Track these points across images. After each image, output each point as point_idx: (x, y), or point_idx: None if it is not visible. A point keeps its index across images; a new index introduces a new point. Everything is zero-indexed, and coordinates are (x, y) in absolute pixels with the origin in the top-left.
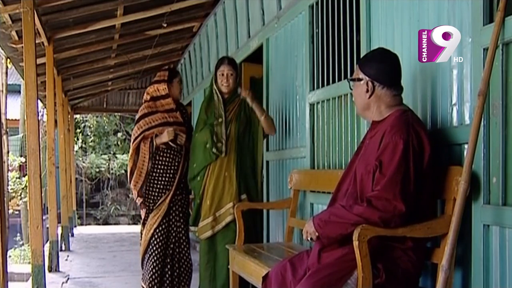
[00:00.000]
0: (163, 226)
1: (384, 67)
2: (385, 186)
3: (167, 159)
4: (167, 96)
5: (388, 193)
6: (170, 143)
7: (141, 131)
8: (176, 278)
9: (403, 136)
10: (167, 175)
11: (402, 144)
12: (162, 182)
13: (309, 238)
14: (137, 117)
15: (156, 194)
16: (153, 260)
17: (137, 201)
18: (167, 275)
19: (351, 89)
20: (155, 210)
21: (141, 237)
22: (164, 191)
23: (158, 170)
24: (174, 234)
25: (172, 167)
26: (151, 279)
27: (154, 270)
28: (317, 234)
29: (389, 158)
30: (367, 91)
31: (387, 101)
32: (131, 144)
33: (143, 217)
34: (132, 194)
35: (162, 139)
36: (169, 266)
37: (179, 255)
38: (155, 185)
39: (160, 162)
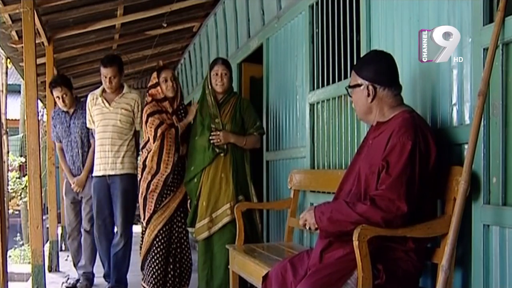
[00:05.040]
0: (167, 227)
1: (381, 68)
2: (390, 186)
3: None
4: (164, 99)
5: (392, 193)
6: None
7: (160, 121)
8: (177, 277)
9: (411, 137)
10: (173, 175)
11: (410, 145)
12: (168, 184)
13: (307, 228)
14: (146, 114)
15: (161, 194)
16: (157, 262)
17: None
18: (169, 275)
19: (350, 96)
20: (159, 211)
21: (142, 237)
22: (169, 192)
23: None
24: (176, 234)
25: (176, 168)
26: (155, 280)
27: (158, 271)
28: (316, 226)
29: (396, 159)
30: (368, 95)
31: (390, 102)
32: (151, 130)
33: (145, 217)
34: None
35: (188, 119)
36: (171, 266)
37: (180, 255)
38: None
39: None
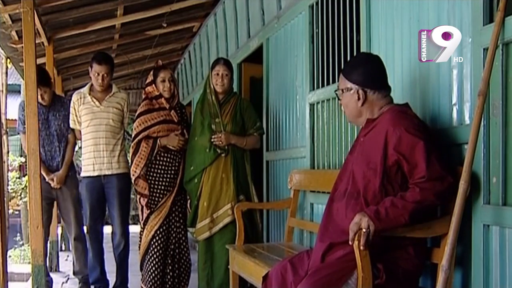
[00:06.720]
0: (164, 227)
1: (371, 72)
2: (428, 169)
3: (167, 159)
4: (160, 96)
5: (435, 173)
6: (170, 146)
7: (142, 128)
8: (176, 278)
9: (411, 124)
10: (168, 175)
11: (414, 130)
12: (164, 183)
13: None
14: (137, 113)
15: (157, 195)
16: (154, 262)
17: (138, 188)
18: (168, 276)
19: (339, 99)
20: (156, 211)
21: (140, 238)
22: (165, 192)
23: (158, 171)
24: (174, 234)
25: (173, 167)
26: (153, 280)
27: (156, 272)
28: (370, 229)
29: (411, 146)
30: (359, 99)
31: (380, 104)
32: (134, 131)
33: (143, 218)
34: (135, 189)
35: (168, 142)
36: (170, 267)
37: (179, 255)
38: (156, 186)
39: (160, 163)
